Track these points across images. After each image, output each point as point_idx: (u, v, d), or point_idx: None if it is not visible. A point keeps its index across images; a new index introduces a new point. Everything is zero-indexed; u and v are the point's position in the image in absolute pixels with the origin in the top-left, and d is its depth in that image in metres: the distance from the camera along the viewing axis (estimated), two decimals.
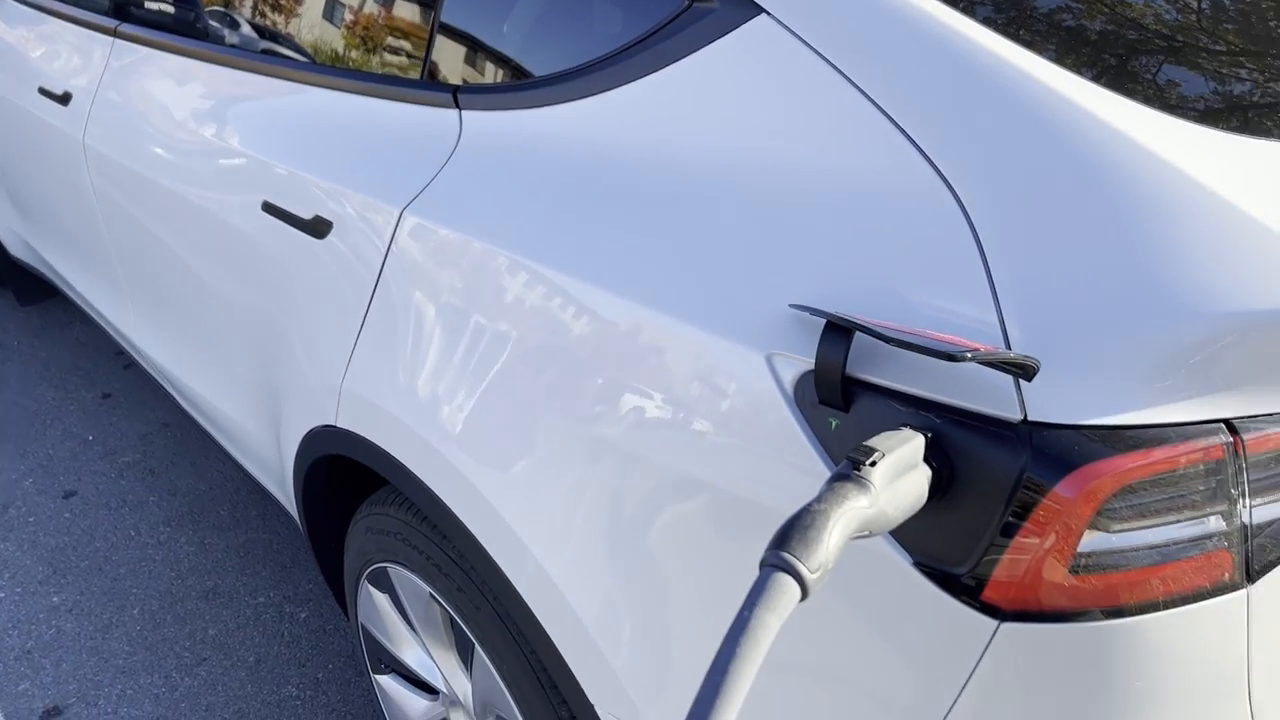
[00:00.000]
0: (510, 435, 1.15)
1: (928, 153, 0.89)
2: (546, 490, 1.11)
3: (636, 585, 1.05)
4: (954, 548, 0.82)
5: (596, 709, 1.13)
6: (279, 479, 1.89)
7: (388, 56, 1.53)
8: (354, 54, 1.60)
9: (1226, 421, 0.80)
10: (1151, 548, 0.79)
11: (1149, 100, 0.92)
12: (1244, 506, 0.81)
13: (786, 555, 0.66)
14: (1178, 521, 0.79)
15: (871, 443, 0.76)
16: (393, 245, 1.33)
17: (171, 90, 1.96)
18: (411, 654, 1.67)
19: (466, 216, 1.24)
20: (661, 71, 1.11)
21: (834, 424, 0.87)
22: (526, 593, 1.16)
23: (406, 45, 1.50)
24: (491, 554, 1.19)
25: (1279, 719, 0.88)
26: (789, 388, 0.89)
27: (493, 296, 1.18)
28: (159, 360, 2.26)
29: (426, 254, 1.28)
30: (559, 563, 1.11)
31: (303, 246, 1.52)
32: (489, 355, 1.18)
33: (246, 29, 1.90)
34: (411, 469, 1.29)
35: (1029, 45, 0.95)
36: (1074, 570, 0.79)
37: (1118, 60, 0.98)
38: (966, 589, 0.81)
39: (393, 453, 1.33)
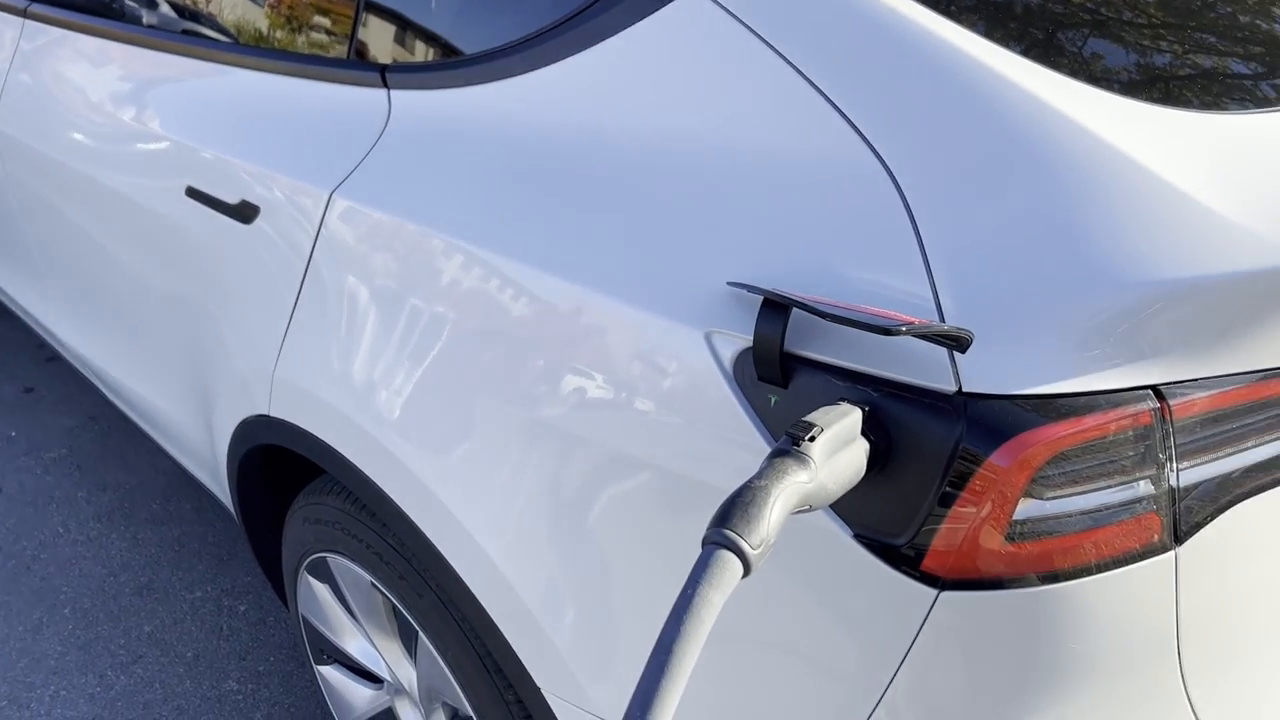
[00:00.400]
0: (449, 420, 1.14)
1: (861, 129, 0.90)
2: (487, 474, 1.11)
3: (579, 566, 1.05)
4: (893, 519, 0.83)
5: (543, 691, 1.13)
6: (212, 471, 1.86)
7: (313, 35, 1.50)
8: (279, 34, 1.56)
9: (1154, 388, 0.82)
10: (1084, 513, 0.81)
11: (1075, 73, 0.93)
12: (1171, 470, 0.83)
13: (728, 532, 0.67)
14: (1109, 487, 0.81)
15: (810, 418, 0.77)
16: (322, 229, 1.31)
17: (88, 72, 1.89)
18: (354, 644, 1.66)
19: (398, 198, 1.22)
20: (593, 48, 1.10)
21: (773, 400, 0.87)
22: (469, 578, 1.15)
23: (332, 24, 1.47)
24: (433, 540, 1.18)
25: (1206, 674, 0.91)
26: (728, 365, 0.90)
27: (428, 279, 1.16)
28: (84, 352, 2.20)
29: (358, 237, 1.26)
30: (501, 546, 1.10)
31: (230, 232, 1.49)
32: (425, 339, 1.16)
33: (165, 8, 1.84)
34: (348, 457, 1.28)
35: (960, 20, 0.95)
36: (1010, 538, 0.80)
37: (1045, 34, 1.00)
38: (906, 559, 0.83)
39: (328, 441, 1.31)
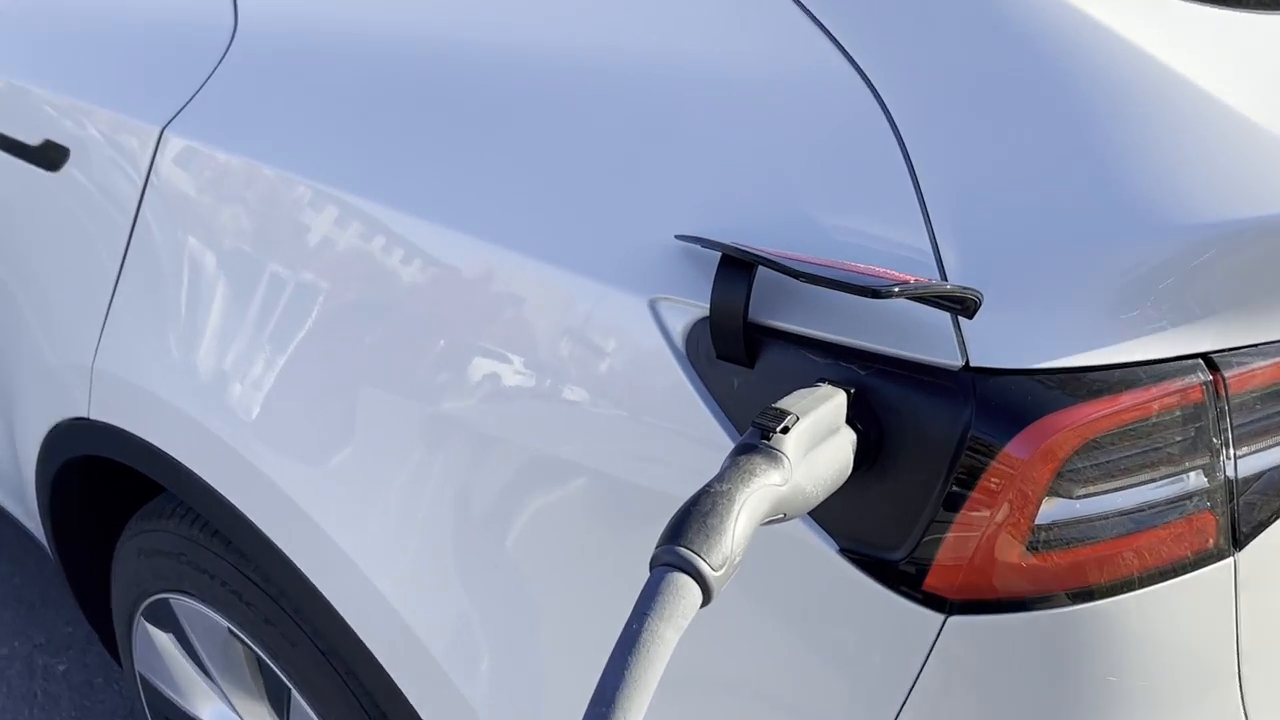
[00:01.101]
0: (324, 419, 1.13)
1: (841, 41, 0.90)
2: (375, 487, 1.10)
3: (497, 601, 1.05)
4: (887, 528, 0.84)
5: None
6: (16, 492, 1.83)
7: None
8: None
9: (1205, 356, 0.84)
10: (1122, 514, 0.83)
11: None
12: (1227, 458, 0.85)
13: (683, 550, 0.67)
14: (1152, 481, 0.83)
15: (782, 404, 0.77)
16: (152, 176, 1.29)
17: None
18: (208, 707, 1.64)
19: (251, 134, 1.21)
20: None
21: (736, 383, 0.87)
22: (354, 619, 1.15)
23: None
24: (306, 574, 1.17)
25: (1275, 708, 0.93)
26: (679, 340, 0.90)
27: (292, 239, 1.15)
28: None
29: (200, 186, 1.24)
30: (396, 580, 1.10)
31: (30, 182, 1.46)
32: (292, 316, 1.15)
33: None
34: (193, 469, 1.27)
35: None
36: (1032, 547, 0.81)
37: None
38: (905, 577, 0.84)
39: (166, 449, 1.30)
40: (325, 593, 1.17)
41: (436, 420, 1.05)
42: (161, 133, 1.28)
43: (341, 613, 1.16)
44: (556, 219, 0.98)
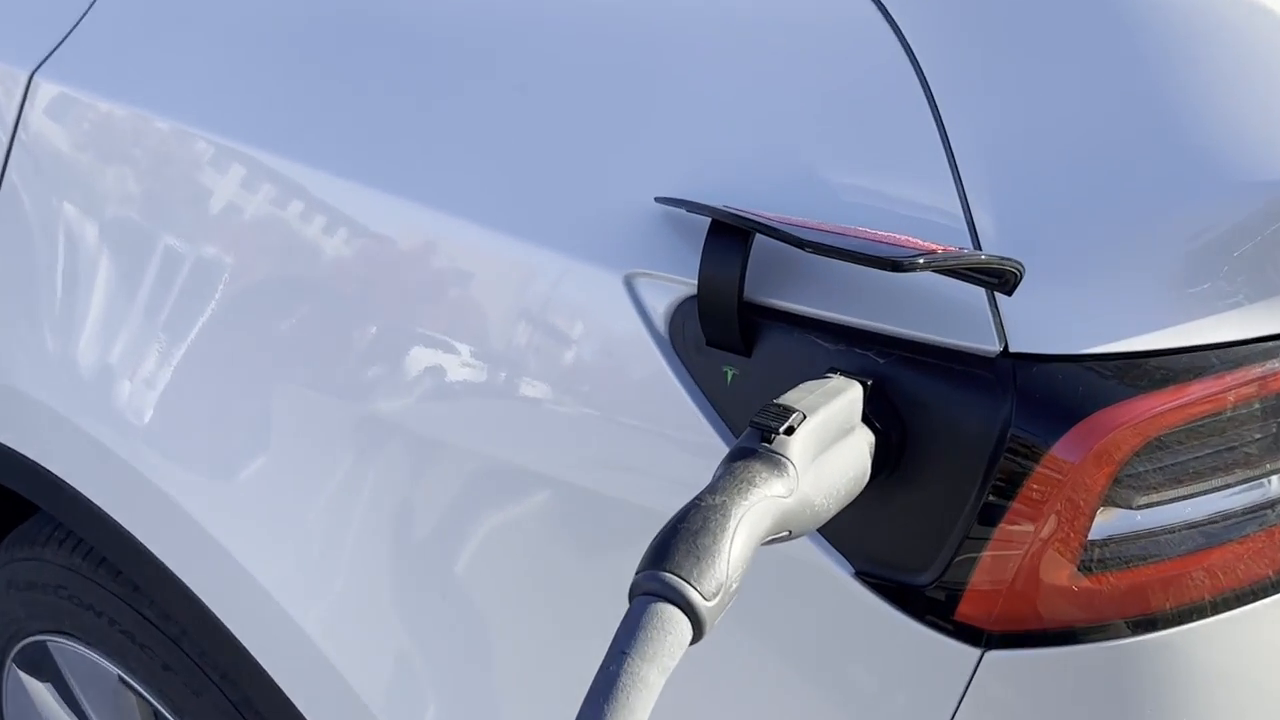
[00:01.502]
0: (233, 422, 1.12)
1: None
2: (296, 505, 1.09)
3: (444, 640, 1.04)
4: (912, 546, 0.83)
5: None
6: None
7: None
8: None
9: None
10: (1191, 527, 0.82)
11: None
12: None
13: (669, 577, 0.67)
14: (1227, 486, 0.83)
15: (786, 400, 0.77)
16: (20, 131, 1.27)
17: None
18: None
19: (140, 79, 1.20)
20: None
21: (730, 374, 0.87)
22: (272, 665, 1.14)
23: None
24: (213, 610, 1.16)
25: None
26: (660, 324, 0.89)
27: (191, 204, 1.14)
28: None
29: (78, 142, 1.24)
30: (322, 616, 1.09)
31: None
32: (191, 299, 1.14)
33: None
34: (73, 485, 1.26)
35: None
36: (1084, 567, 0.81)
37: None
38: (933, 605, 0.83)
39: (40, 461, 1.29)
40: (236, 632, 1.16)
41: (369, 423, 1.04)
42: (30, 79, 1.27)
43: (256, 656, 1.15)
44: (511, 179, 0.97)
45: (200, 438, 1.15)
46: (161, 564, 1.20)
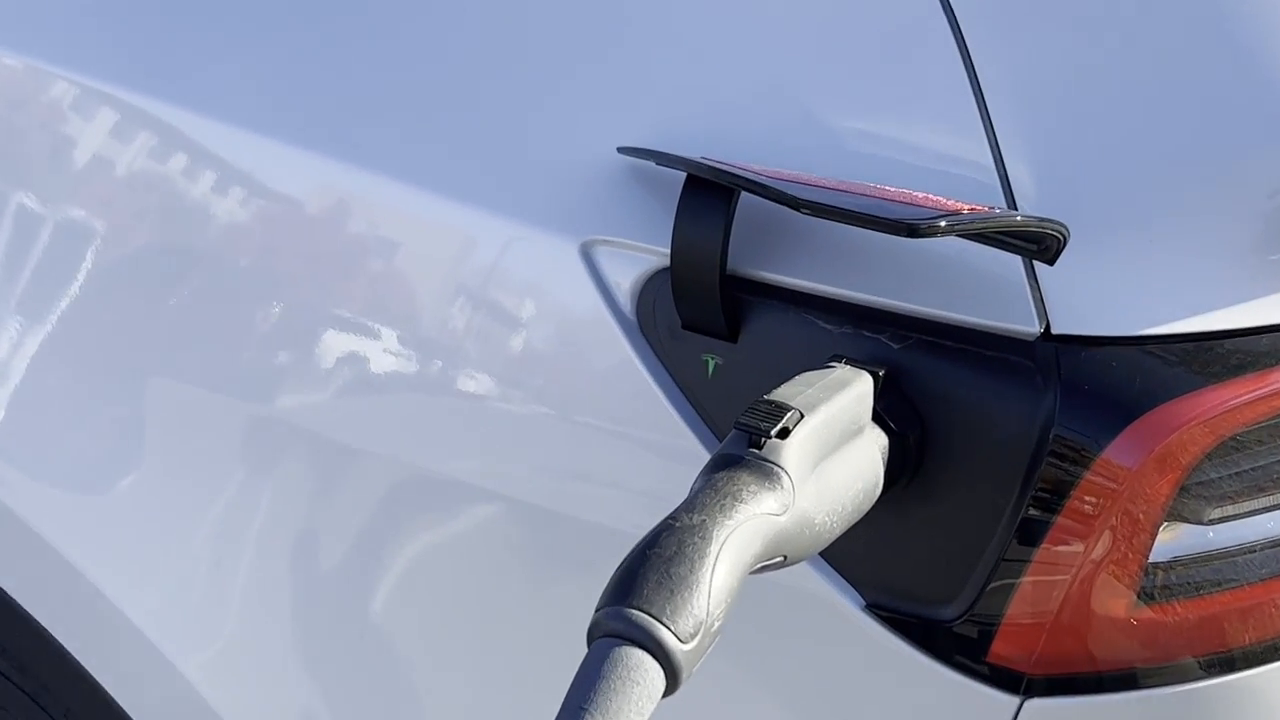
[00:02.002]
0: (100, 426, 1.12)
1: None
2: (178, 527, 1.09)
3: (361, 692, 1.04)
4: (935, 572, 0.84)
5: None
6: None
7: None
8: None
9: None
10: (1275, 545, 0.83)
11: None
12: None
13: (636, 614, 0.66)
14: None
15: (780, 395, 0.76)
16: None
17: None
18: None
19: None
20: None
21: (711, 363, 0.87)
22: None
23: None
24: (77, 659, 1.16)
25: None
26: (625, 302, 0.89)
27: (49, 158, 1.14)
28: None
29: None
30: (209, 664, 1.09)
31: None
32: (50, 272, 1.13)
33: None
34: None
35: None
36: (1145, 595, 0.81)
37: None
38: (961, 644, 0.84)
39: None
40: (106, 686, 1.15)
41: (268, 426, 1.04)
42: None
43: (131, 714, 1.15)
44: (444, 128, 0.97)
45: (58, 445, 1.15)
46: (13, 602, 1.19)
